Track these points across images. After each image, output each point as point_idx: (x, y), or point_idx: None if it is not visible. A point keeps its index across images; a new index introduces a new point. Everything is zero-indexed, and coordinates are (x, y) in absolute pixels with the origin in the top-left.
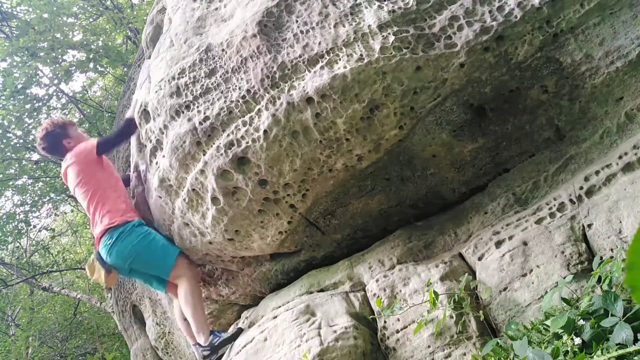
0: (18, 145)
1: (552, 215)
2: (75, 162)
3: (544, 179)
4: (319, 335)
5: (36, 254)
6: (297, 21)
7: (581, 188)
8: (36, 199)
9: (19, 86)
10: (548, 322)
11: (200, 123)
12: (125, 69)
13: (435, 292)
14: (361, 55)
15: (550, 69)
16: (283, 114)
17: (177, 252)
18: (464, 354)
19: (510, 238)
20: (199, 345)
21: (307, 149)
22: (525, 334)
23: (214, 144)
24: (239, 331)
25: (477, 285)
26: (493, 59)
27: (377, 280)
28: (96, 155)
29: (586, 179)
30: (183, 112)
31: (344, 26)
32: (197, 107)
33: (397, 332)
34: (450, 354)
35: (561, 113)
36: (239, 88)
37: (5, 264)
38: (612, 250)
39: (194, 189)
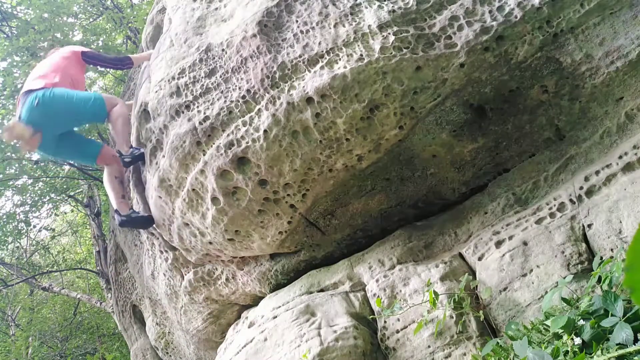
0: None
1: (552, 215)
2: (66, 50)
3: (544, 179)
4: (319, 335)
5: (36, 254)
6: (297, 21)
7: (581, 188)
8: (36, 199)
9: (19, 86)
10: (548, 322)
11: (200, 123)
12: (125, 69)
13: (435, 292)
14: (361, 55)
15: (550, 69)
16: (283, 114)
17: (102, 95)
18: (464, 354)
19: (510, 238)
20: (120, 153)
21: (307, 149)
22: (525, 334)
23: (214, 144)
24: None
25: (477, 285)
26: (493, 59)
27: (377, 280)
28: (80, 57)
29: (586, 179)
30: (183, 112)
31: (344, 26)
32: (197, 107)
33: (397, 332)
34: (450, 354)
35: (561, 113)
36: (239, 88)
37: (5, 264)
38: (612, 250)
39: (194, 189)
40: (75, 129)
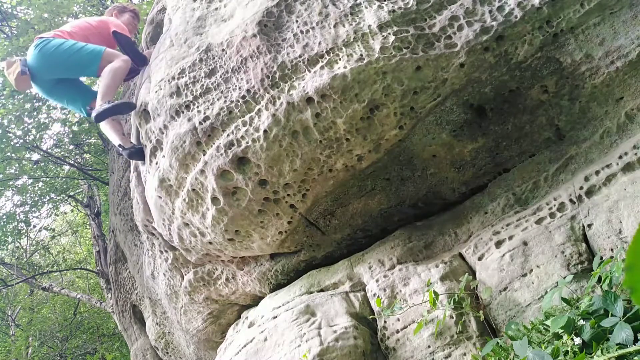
0: (18, 145)
1: (552, 215)
2: (96, 19)
3: (544, 179)
4: (319, 335)
5: (36, 254)
6: (297, 21)
7: (581, 188)
8: (36, 199)
9: None
10: (548, 322)
11: (200, 123)
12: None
13: (435, 292)
14: (361, 55)
15: (550, 69)
16: (283, 114)
17: (104, 49)
18: (464, 354)
19: (510, 238)
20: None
21: (307, 149)
22: (525, 334)
23: (214, 144)
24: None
25: (477, 285)
26: (493, 59)
27: (377, 280)
28: (110, 33)
29: (586, 179)
30: (183, 112)
31: (344, 26)
32: (197, 107)
33: (397, 332)
34: (450, 354)
35: (561, 113)
36: (239, 88)
37: (5, 264)
38: (612, 250)
39: (194, 189)
40: (81, 78)
